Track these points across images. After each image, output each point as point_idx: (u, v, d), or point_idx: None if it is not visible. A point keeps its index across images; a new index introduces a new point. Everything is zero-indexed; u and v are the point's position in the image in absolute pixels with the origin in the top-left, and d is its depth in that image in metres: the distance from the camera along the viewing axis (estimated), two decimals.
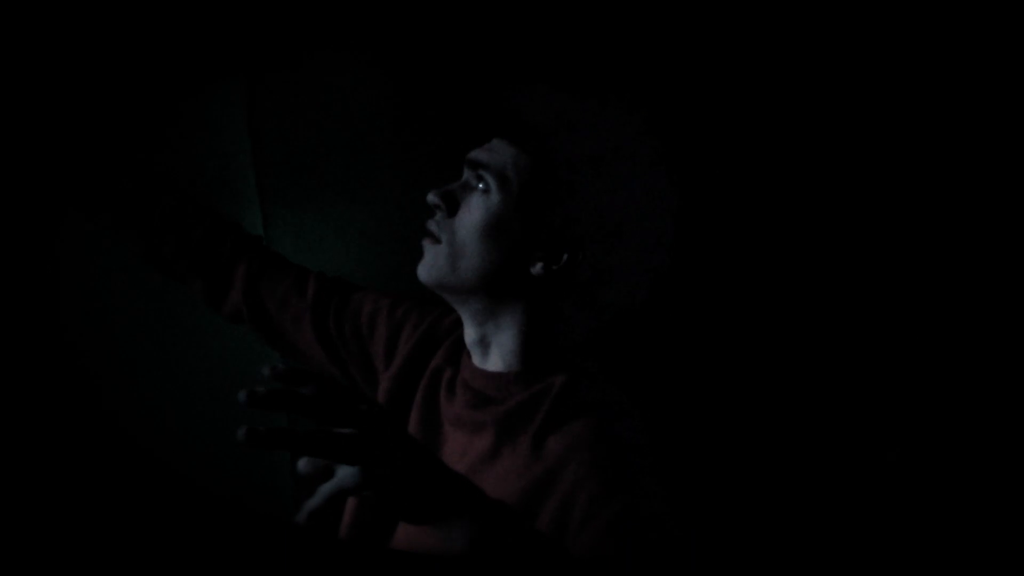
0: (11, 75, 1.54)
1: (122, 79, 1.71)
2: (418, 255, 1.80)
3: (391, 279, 1.83)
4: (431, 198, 1.27)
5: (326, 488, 0.90)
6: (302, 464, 0.91)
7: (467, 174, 1.28)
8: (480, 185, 1.25)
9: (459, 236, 1.25)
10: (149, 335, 1.85)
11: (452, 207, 1.26)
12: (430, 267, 1.26)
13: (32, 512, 1.68)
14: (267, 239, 1.85)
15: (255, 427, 0.85)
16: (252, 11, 1.79)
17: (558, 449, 1.17)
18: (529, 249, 1.23)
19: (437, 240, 1.26)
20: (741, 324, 1.52)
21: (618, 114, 1.25)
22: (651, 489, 1.10)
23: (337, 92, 1.85)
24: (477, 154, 1.26)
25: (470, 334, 1.30)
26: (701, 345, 1.51)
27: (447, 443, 1.29)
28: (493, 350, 1.28)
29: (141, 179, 1.45)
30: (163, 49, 1.74)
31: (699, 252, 1.38)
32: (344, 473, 0.90)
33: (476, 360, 1.30)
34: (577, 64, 1.54)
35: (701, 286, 1.48)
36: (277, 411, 0.88)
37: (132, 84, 1.73)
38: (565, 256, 1.22)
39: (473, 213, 1.24)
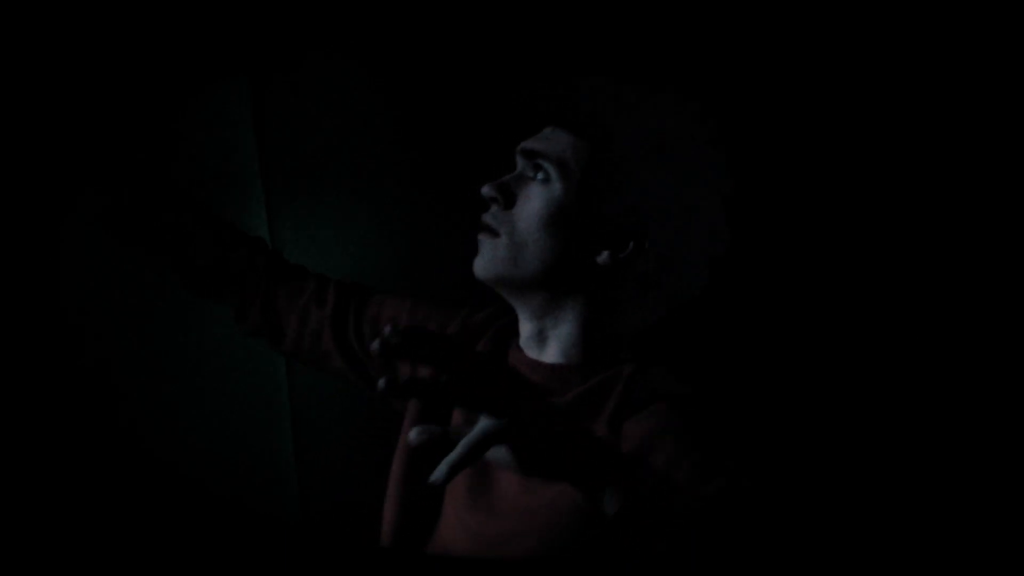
0: (16, 76, 1.53)
1: (127, 78, 1.70)
2: (427, 252, 1.80)
3: (398, 277, 1.84)
4: (486, 191, 1.25)
5: (469, 438, 0.88)
6: (414, 433, 0.89)
7: (522, 164, 1.26)
8: (539, 175, 1.23)
9: (520, 228, 1.23)
10: (150, 333, 1.83)
11: (509, 199, 1.24)
12: (489, 261, 1.24)
13: (34, 511, 1.66)
14: (272, 237, 1.84)
15: (393, 376, 0.85)
16: (258, 9, 1.78)
17: (639, 434, 1.16)
18: (593, 238, 1.22)
19: (495, 234, 1.24)
20: (789, 314, 1.53)
21: (675, 97, 1.24)
22: (742, 471, 1.09)
23: (343, 90, 1.84)
24: (532, 143, 1.24)
25: (527, 328, 1.28)
26: (750, 334, 1.52)
27: None
28: (551, 343, 1.26)
29: (169, 203, 1.43)
30: (168, 47, 1.72)
31: (752, 239, 1.38)
32: (487, 422, 0.88)
33: (532, 354, 1.27)
34: (606, 52, 1.54)
35: (751, 274, 1.48)
36: (409, 358, 0.86)
37: (137, 83, 1.71)
38: (631, 244, 1.22)
39: (534, 203, 1.23)
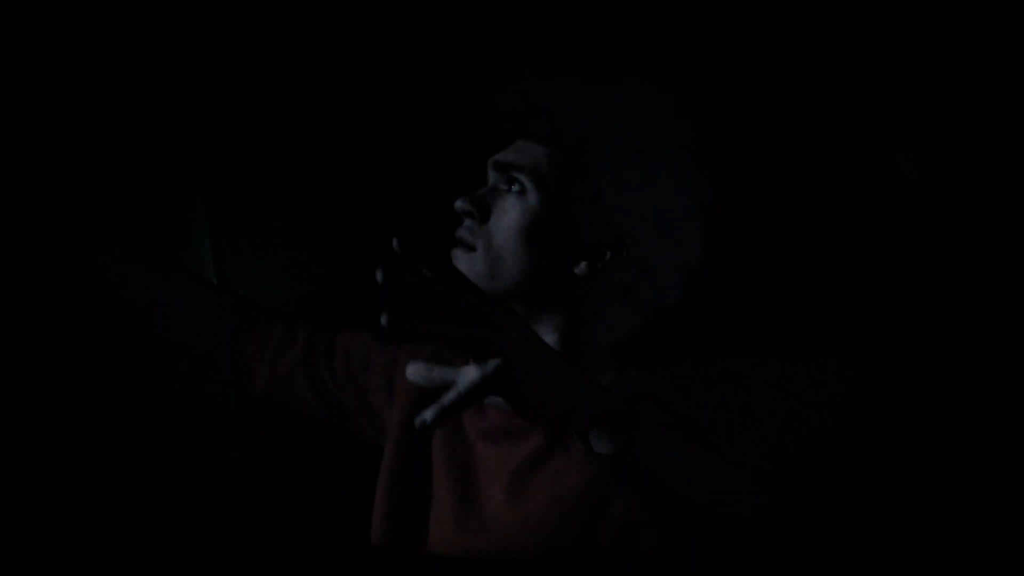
0: None
1: (68, 93, 1.67)
2: (365, 271, 1.79)
3: (345, 299, 1.82)
4: (460, 204, 1.23)
5: (464, 384, 0.86)
6: (412, 370, 0.88)
7: (494, 178, 1.25)
8: (513, 187, 1.22)
9: (497, 241, 1.21)
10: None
11: (484, 213, 1.23)
12: (466, 275, 1.20)
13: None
14: (216, 256, 1.82)
15: (393, 319, 0.82)
16: (199, 23, 1.75)
17: None
18: (571, 249, 1.21)
19: (471, 248, 1.22)
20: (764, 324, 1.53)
21: (651, 104, 1.23)
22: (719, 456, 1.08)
23: (287, 105, 1.83)
24: (505, 156, 1.23)
25: None
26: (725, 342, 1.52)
27: (480, 459, 1.25)
28: None
29: (131, 256, 1.39)
30: (110, 63, 1.70)
31: (728, 248, 1.38)
32: (487, 367, 0.86)
33: None
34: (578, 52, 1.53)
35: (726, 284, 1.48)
36: (407, 295, 0.84)
37: (80, 98, 1.68)
38: (609, 254, 1.21)
39: (510, 215, 1.21)
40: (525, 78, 1.24)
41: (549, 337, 1.23)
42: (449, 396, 0.85)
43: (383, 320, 0.82)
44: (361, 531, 1.80)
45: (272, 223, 1.84)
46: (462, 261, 1.23)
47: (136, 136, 1.76)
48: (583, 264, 1.21)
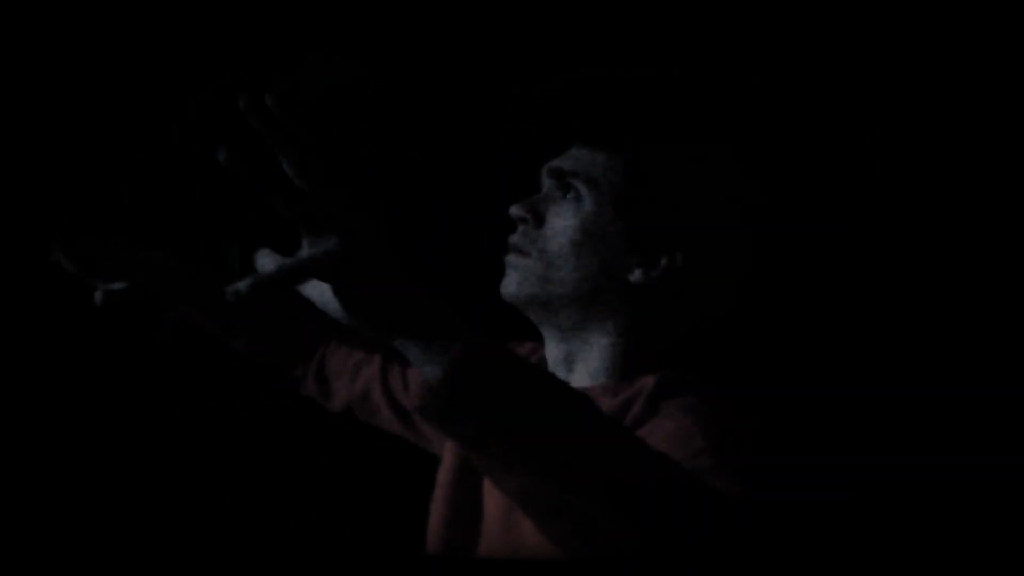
0: None
1: (66, 94, 1.66)
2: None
3: None
4: (514, 211, 1.23)
5: (288, 261, 0.81)
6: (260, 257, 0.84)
7: (548, 185, 1.25)
8: (568, 194, 1.22)
9: (551, 247, 1.21)
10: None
11: (539, 219, 1.23)
12: (520, 282, 1.22)
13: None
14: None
15: (232, 151, 0.79)
16: (200, 23, 1.74)
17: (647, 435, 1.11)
18: (625, 256, 1.21)
19: (525, 254, 1.22)
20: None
21: (704, 112, 1.24)
22: (724, 469, 1.01)
23: (287, 105, 1.82)
24: (561, 162, 1.23)
25: (554, 353, 1.25)
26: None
27: None
28: (579, 367, 1.24)
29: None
30: (109, 63, 1.69)
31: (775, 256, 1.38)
32: (322, 243, 0.82)
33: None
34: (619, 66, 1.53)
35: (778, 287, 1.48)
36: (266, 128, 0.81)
37: (78, 99, 1.67)
38: (664, 261, 1.21)
39: (565, 222, 1.21)
40: (579, 85, 1.25)
41: (597, 346, 1.23)
42: (269, 266, 0.80)
43: (219, 153, 0.79)
44: (360, 532, 1.82)
45: (272, 223, 1.83)
46: (516, 267, 1.23)
47: (135, 136, 1.75)
48: (638, 272, 1.21)
